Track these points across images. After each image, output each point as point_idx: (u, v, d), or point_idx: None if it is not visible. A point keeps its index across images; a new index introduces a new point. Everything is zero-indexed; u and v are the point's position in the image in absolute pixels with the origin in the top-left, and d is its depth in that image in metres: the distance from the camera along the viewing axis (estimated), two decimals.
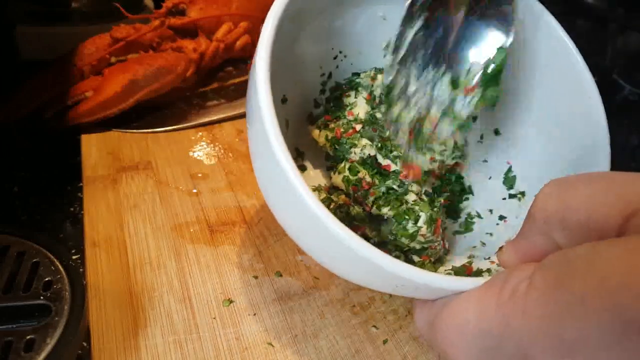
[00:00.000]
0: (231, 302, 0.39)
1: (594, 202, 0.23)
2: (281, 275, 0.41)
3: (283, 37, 0.31)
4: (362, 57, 0.44)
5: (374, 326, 0.38)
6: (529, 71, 0.40)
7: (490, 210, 0.42)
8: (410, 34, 0.37)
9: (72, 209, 0.51)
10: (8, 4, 0.65)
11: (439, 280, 0.27)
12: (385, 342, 0.37)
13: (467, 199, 0.43)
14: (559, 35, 0.38)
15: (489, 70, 0.36)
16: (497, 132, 0.43)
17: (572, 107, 0.38)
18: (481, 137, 0.44)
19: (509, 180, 0.42)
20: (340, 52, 0.43)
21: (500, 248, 0.29)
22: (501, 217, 0.41)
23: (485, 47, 0.37)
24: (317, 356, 0.36)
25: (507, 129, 0.43)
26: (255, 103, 0.28)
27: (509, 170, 0.42)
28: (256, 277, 0.41)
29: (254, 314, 0.38)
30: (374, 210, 0.39)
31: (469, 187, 0.44)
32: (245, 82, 0.70)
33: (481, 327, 0.24)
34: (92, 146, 0.54)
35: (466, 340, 0.25)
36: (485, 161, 0.44)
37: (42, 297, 0.37)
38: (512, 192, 0.41)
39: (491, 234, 0.40)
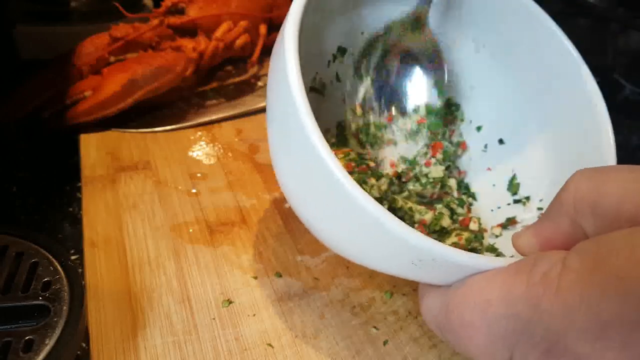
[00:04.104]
0: (230, 302, 0.39)
1: (627, 189, 0.23)
2: (281, 276, 0.41)
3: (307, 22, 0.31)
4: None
5: (375, 327, 0.38)
6: (533, 80, 0.40)
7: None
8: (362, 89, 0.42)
9: (71, 209, 0.51)
10: (7, 3, 0.65)
11: (466, 257, 0.26)
12: (385, 343, 0.37)
13: (470, 204, 0.43)
14: (562, 44, 0.38)
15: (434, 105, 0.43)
16: (501, 142, 0.43)
17: (577, 115, 0.38)
18: (485, 146, 0.44)
19: (513, 187, 0.41)
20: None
21: (516, 234, 0.29)
22: (507, 220, 0.41)
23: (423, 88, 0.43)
24: (317, 357, 0.36)
25: (511, 138, 0.43)
26: (287, 88, 0.28)
27: (513, 177, 0.42)
28: (256, 278, 0.41)
29: (254, 315, 0.38)
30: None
31: (473, 193, 0.44)
32: (245, 82, 0.70)
33: (507, 308, 0.23)
34: (91, 146, 0.54)
35: (488, 321, 0.24)
36: (489, 169, 0.44)
37: (40, 298, 0.37)
38: (517, 197, 0.41)
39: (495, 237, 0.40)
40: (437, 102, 0.43)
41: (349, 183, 0.26)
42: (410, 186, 0.42)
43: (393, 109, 0.43)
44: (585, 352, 0.20)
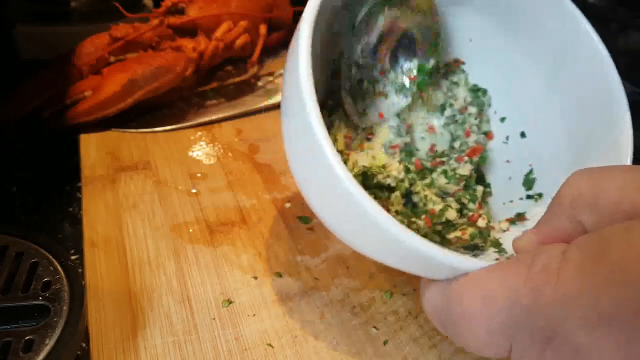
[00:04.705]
0: (230, 302, 0.39)
1: (627, 186, 0.24)
2: (281, 276, 0.41)
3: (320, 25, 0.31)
4: None
5: (375, 327, 0.38)
6: (562, 77, 0.40)
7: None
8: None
9: (70, 209, 0.51)
10: (7, 3, 0.65)
11: (463, 261, 0.26)
12: (385, 343, 0.37)
13: (483, 201, 0.43)
14: (594, 44, 0.38)
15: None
16: (523, 135, 0.43)
17: (599, 116, 0.37)
18: (507, 138, 0.44)
19: (528, 182, 0.41)
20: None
21: (516, 237, 0.29)
22: (517, 215, 0.41)
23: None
24: (317, 357, 0.36)
25: (533, 132, 0.42)
26: (300, 100, 0.28)
27: (530, 172, 0.42)
28: (256, 278, 0.41)
29: (254, 315, 0.38)
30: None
31: (488, 184, 0.43)
32: (245, 82, 0.70)
33: (507, 299, 0.23)
34: (91, 146, 0.54)
35: (489, 312, 0.24)
36: (508, 162, 0.43)
37: (40, 298, 0.37)
38: (530, 193, 0.41)
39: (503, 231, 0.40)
40: (430, 62, 0.43)
41: (354, 188, 0.26)
42: (435, 175, 0.41)
43: (387, 63, 0.43)
44: (585, 341, 0.21)
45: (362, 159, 0.41)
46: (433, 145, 0.44)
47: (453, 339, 0.27)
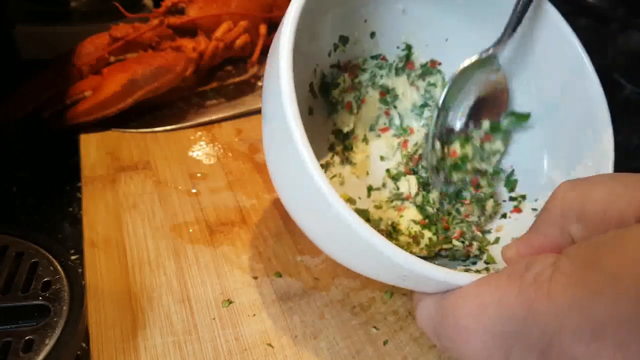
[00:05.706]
0: (230, 302, 0.39)
1: (612, 194, 0.24)
2: (281, 276, 0.41)
3: (302, 27, 0.31)
4: (377, 49, 0.44)
5: (375, 327, 0.38)
6: (538, 74, 0.40)
7: None
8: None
9: (70, 209, 0.51)
10: (7, 3, 0.65)
11: (449, 275, 0.26)
12: (385, 343, 0.37)
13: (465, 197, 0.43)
14: (573, 45, 0.38)
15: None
16: None
17: (579, 116, 0.38)
18: None
19: (510, 183, 0.41)
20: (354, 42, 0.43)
21: (505, 246, 0.29)
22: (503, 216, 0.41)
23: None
24: (317, 357, 0.36)
25: (512, 131, 0.43)
26: (280, 105, 0.28)
27: (512, 173, 0.42)
28: (256, 278, 0.41)
29: (254, 315, 0.38)
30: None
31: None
32: (245, 82, 0.70)
33: (501, 312, 0.23)
34: (91, 146, 0.54)
35: (483, 325, 0.24)
36: None
37: (40, 298, 0.37)
38: (513, 194, 0.41)
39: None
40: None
41: (341, 206, 0.26)
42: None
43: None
44: (581, 353, 0.20)
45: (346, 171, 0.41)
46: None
47: (448, 351, 0.27)
